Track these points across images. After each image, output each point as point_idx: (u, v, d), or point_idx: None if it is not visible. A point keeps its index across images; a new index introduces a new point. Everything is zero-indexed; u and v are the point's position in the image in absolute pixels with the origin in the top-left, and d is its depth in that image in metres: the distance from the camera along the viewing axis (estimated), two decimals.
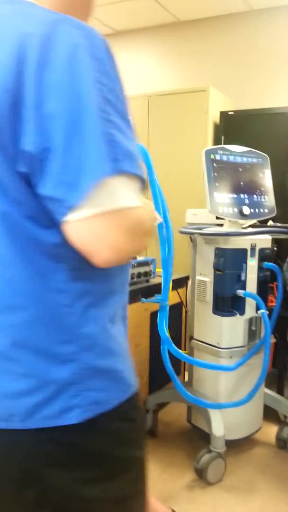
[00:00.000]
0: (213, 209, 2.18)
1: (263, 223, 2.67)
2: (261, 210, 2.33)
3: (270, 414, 2.67)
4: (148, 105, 3.71)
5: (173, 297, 2.76)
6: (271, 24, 3.85)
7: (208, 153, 2.23)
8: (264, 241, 2.35)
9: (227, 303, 2.27)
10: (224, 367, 2.24)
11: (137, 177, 0.76)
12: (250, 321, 2.30)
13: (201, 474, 2.17)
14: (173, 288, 2.67)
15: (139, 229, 0.78)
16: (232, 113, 3.50)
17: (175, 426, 2.73)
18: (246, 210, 2.24)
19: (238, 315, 2.27)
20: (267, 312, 2.24)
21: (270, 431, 2.64)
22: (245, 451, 2.47)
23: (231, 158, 2.30)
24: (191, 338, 2.46)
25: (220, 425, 2.22)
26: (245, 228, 2.34)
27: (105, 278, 0.86)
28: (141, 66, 4.43)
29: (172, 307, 2.76)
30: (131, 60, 4.47)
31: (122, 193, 0.73)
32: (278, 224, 2.68)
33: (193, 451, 2.41)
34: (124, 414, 0.89)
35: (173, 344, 2.03)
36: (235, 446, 2.46)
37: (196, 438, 2.56)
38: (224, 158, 2.28)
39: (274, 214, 2.38)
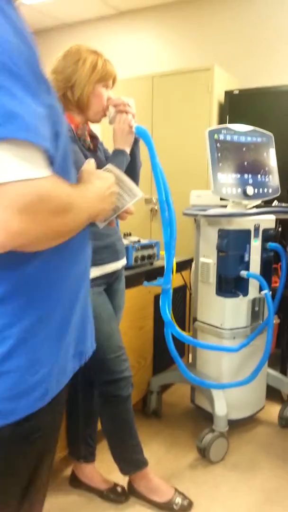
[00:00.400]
0: (217, 190, 2.15)
1: (268, 203, 2.64)
2: (265, 190, 2.30)
3: (273, 394, 2.69)
4: (152, 86, 3.66)
5: (177, 280, 2.76)
6: (276, 0, 3.76)
7: (211, 133, 2.19)
8: (268, 221, 2.33)
9: (230, 284, 2.27)
10: (227, 348, 2.24)
11: (32, 143, 0.65)
12: (253, 302, 2.30)
13: (203, 453, 2.19)
14: (177, 271, 2.67)
15: (43, 205, 0.66)
16: (237, 92, 3.44)
17: (179, 406, 2.75)
18: (250, 190, 2.21)
19: (241, 296, 2.27)
20: (271, 292, 2.24)
21: (273, 411, 2.66)
22: (248, 430, 2.49)
23: (235, 137, 2.27)
24: (195, 319, 2.46)
25: (223, 405, 2.23)
26: (249, 208, 2.32)
27: (23, 269, 0.74)
28: (144, 46, 4.35)
29: (176, 290, 2.76)
30: (134, 40, 4.40)
31: (4, 164, 0.62)
32: (283, 204, 2.66)
33: (197, 431, 2.44)
34: (24, 433, 0.78)
35: (176, 327, 2.03)
36: (238, 425, 2.49)
37: (199, 418, 2.58)
38: (228, 138, 2.24)
39: (278, 194, 2.35)
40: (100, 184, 0.92)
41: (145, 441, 2.33)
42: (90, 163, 0.98)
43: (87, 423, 1.94)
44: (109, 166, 1.11)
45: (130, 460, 1.84)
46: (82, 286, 0.90)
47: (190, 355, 2.71)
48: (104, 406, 1.80)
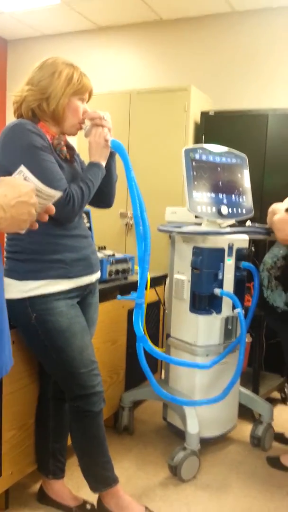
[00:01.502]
0: (192, 207, 2.18)
1: (241, 223, 2.68)
2: (239, 210, 2.34)
3: (245, 412, 2.69)
4: (129, 102, 3.71)
5: (151, 295, 2.77)
6: (253, 26, 3.89)
7: (187, 152, 2.23)
8: (242, 241, 2.37)
9: (204, 301, 2.28)
10: (198, 365, 2.25)
11: None
12: (227, 320, 2.32)
13: (175, 471, 2.17)
14: (151, 286, 2.67)
15: None
16: (213, 113, 3.52)
17: (151, 423, 2.73)
18: (224, 209, 2.25)
19: (214, 314, 2.28)
20: (243, 311, 2.26)
21: (245, 429, 2.66)
22: (220, 449, 2.48)
23: (211, 157, 2.31)
24: (168, 335, 2.46)
25: (195, 423, 2.23)
26: (223, 227, 2.36)
27: None
28: (123, 63, 4.42)
29: (150, 305, 2.76)
30: (113, 56, 4.46)
31: None
32: (256, 225, 2.70)
33: (168, 449, 2.42)
34: None
35: (149, 342, 2.03)
36: (210, 444, 2.48)
37: (171, 435, 2.57)
38: (204, 157, 2.28)
39: (251, 215, 2.40)
40: (4, 191, 0.90)
41: (116, 458, 2.30)
42: None
43: (57, 438, 1.90)
44: (22, 168, 1.04)
45: (100, 477, 1.81)
46: None
47: (163, 371, 2.70)
48: (74, 421, 1.77)
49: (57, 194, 1.07)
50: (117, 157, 1.81)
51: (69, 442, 1.89)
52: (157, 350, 2.10)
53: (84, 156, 1.82)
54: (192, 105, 3.51)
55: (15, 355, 1.79)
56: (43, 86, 1.65)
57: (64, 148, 1.71)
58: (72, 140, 1.88)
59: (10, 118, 1.66)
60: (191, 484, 2.16)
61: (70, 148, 1.77)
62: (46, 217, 1.09)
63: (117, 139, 1.74)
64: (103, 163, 1.75)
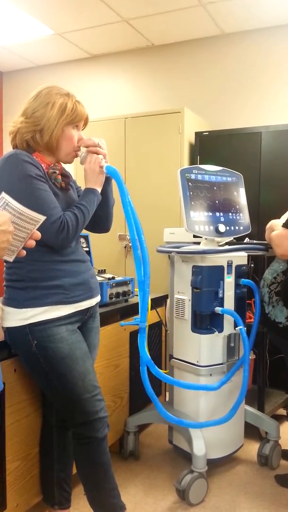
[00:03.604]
0: (190, 227, 2.19)
1: (239, 240, 2.70)
2: (237, 227, 2.35)
3: (251, 431, 2.66)
4: (124, 127, 3.75)
5: (152, 316, 2.76)
6: (242, 47, 3.96)
7: (183, 172, 2.25)
8: (240, 258, 2.38)
9: (205, 320, 2.27)
10: (207, 387, 2.22)
11: None
12: (229, 338, 2.31)
13: (183, 495, 2.14)
14: (152, 308, 2.67)
15: None
16: (207, 133, 3.56)
17: (157, 447, 2.69)
18: (222, 227, 2.26)
19: (216, 332, 2.28)
20: (245, 328, 2.25)
21: (252, 449, 2.63)
22: (228, 469, 2.45)
23: (206, 177, 2.33)
24: (171, 357, 2.45)
25: (201, 445, 2.20)
26: (221, 245, 2.36)
27: None
28: (117, 89, 4.48)
29: (152, 326, 2.75)
30: (107, 83, 4.53)
31: None
32: (254, 241, 2.72)
33: (175, 472, 2.38)
34: None
35: (156, 366, 2.00)
36: (218, 465, 2.44)
37: (178, 458, 2.53)
38: (199, 177, 2.31)
39: (249, 231, 2.41)
40: None
41: (122, 484, 2.27)
42: None
43: (62, 466, 1.88)
44: (3, 194, 1.08)
45: (107, 505, 1.78)
46: None
47: (167, 393, 2.68)
48: (79, 449, 1.75)
49: (41, 218, 1.10)
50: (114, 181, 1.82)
51: (75, 470, 1.86)
52: (164, 374, 2.07)
53: (81, 182, 1.83)
54: (186, 126, 3.55)
55: (17, 384, 1.79)
56: (37, 118, 1.66)
57: (59, 177, 1.72)
58: (69, 166, 1.89)
59: (7, 147, 1.68)
60: (200, 508, 2.12)
61: (65, 176, 1.78)
62: (33, 243, 1.12)
63: (113, 164, 1.76)
64: (99, 189, 1.76)
